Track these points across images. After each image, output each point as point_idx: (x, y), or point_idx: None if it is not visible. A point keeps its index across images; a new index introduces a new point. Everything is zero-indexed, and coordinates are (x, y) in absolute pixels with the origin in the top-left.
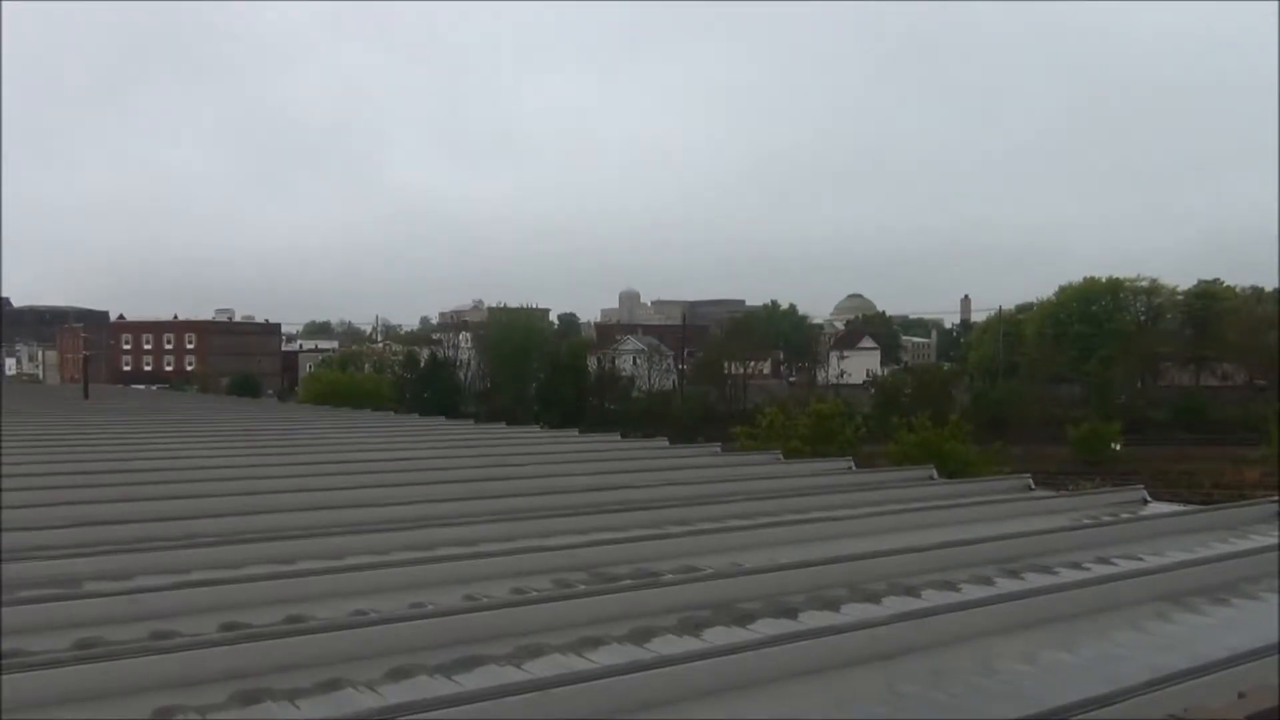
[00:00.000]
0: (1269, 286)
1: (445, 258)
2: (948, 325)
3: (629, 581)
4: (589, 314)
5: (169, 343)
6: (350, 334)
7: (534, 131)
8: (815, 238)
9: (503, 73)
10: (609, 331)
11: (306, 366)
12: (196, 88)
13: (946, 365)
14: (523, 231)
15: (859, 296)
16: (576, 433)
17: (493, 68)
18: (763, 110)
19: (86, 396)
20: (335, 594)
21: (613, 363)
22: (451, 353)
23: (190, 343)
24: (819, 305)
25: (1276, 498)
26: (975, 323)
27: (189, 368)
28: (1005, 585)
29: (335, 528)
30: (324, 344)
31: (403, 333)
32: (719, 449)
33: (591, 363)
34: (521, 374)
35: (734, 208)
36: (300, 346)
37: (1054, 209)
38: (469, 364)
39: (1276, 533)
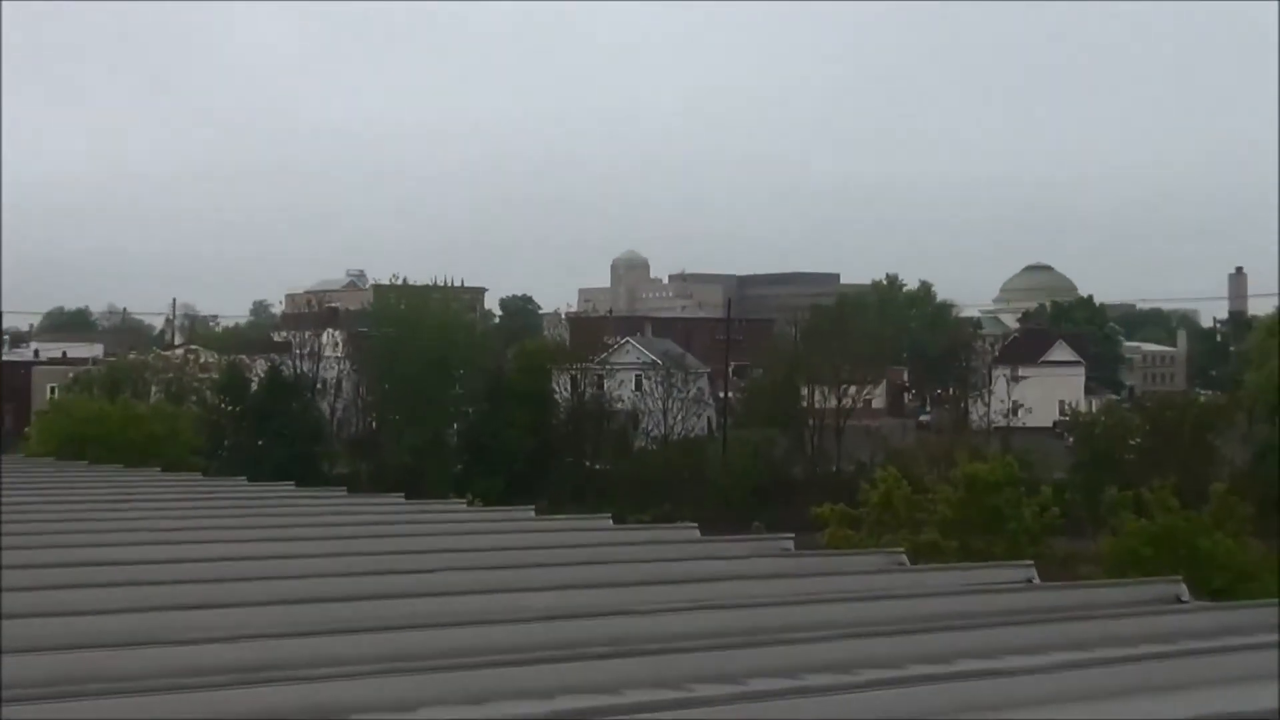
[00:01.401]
0: None
1: (306, 205)
2: (1208, 323)
3: None
4: (558, 297)
5: None
6: (126, 332)
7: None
8: (961, 176)
9: None
10: (593, 329)
11: (46, 389)
12: None
13: (1204, 394)
14: (447, 164)
15: (1044, 269)
16: (533, 513)
17: None
18: None
19: None
20: None
21: (599, 385)
22: (308, 366)
23: None
24: (973, 285)
25: None
26: (1255, 317)
27: None
28: None
29: (71, 685)
30: (78, 349)
31: (220, 330)
32: (791, 544)
33: (561, 384)
34: (433, 404)
35: (813, 133)
36: (35, 353)
37: None
38: (339, 386)
39: None
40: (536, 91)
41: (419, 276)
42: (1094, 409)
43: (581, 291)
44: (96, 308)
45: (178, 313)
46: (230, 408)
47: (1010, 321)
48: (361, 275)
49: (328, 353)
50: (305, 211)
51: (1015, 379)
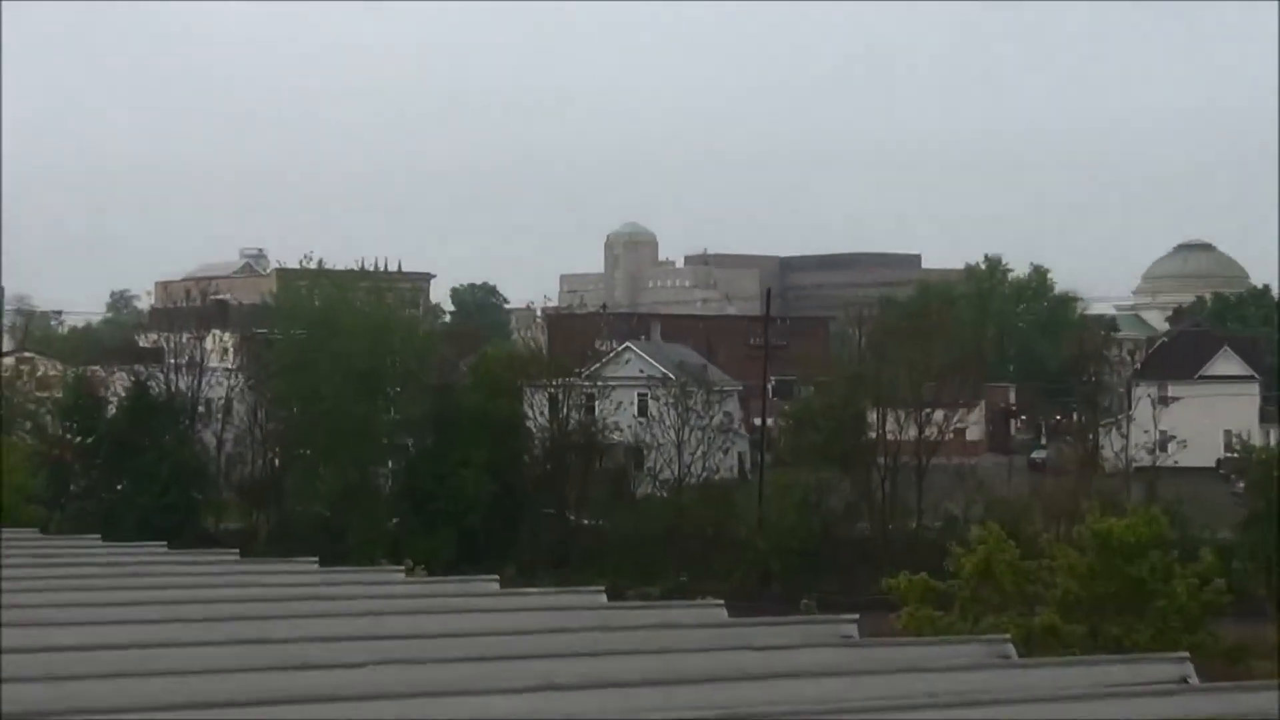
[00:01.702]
0: None
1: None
2: None
3: None
4: (532, 287)
5: None
6: None
7: None
8: (1090, 131)
9: None
10: (581, 329)
11: None
12: None
13: None
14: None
15: (1203, 249)
16: (497, 586)
17: None
18: None
19: None
20: None
21: (588, 408)
22: (186, 382)
23: None
24: (1106, 271)
25: None
26: None
27: None
28: None
29: None
30: None
31: (65, 331)
32: (854, 630)
33: (535, 407)
34: (358, 435)
35: (895, 87)
36: None
37: None
38: (228, 409)
39: None
40: (527, 69)
41: (341, 258)
42: (1273, 442)
43: (565, 279)
44: None
45: (6, 307)
46: (79, 438)
47: (1157, 321)
48: (260, 256)
49: (214, 363)
50: (216, 194)
51: (1164, 400)
